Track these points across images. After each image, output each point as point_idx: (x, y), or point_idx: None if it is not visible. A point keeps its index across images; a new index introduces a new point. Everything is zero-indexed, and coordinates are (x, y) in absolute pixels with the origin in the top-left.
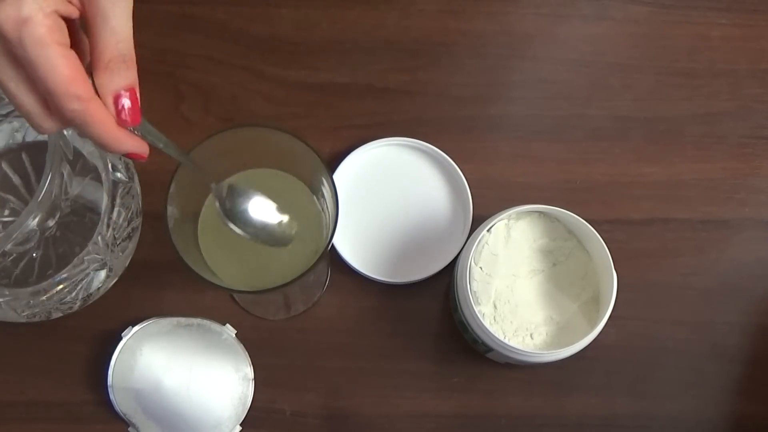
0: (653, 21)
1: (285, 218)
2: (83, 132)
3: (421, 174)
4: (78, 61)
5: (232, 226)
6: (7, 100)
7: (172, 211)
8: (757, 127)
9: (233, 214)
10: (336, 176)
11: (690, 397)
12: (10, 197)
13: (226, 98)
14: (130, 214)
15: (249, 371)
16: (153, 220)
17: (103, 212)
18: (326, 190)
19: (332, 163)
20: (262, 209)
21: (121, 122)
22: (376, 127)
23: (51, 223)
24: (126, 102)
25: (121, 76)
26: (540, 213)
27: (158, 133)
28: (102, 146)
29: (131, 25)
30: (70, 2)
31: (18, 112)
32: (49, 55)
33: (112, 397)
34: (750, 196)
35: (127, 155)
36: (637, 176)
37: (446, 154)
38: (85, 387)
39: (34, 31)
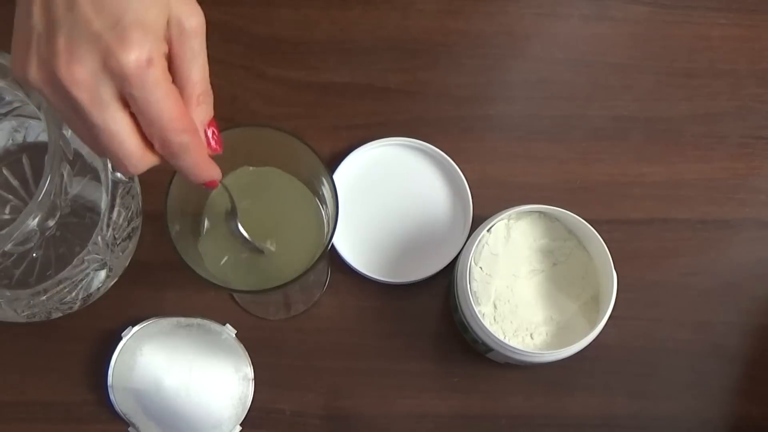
0: (653, 21)
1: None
2: (178, 162)
3: (421, 174)
4: (181, 98)
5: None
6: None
7: (172, 211)
8: (757, 127)
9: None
10: (336, 176)
11: (690, 397)
12: (10, 197)
13: (226, 98)
14: (130, 214)
15: (249, 371)
16: (153, 220)
17: (103, 212)
18: (326, 190)
19: (332, 163)
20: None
21: (211, 150)
22: (376, 127)
23: (51, 223)
24: (213, 132)
25: (208, 109)
26: (540, 213)
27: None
28: (195, 175)
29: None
30: (166, 42)
31: (108, 154)
32: (165, 93)
33: (112, 397)
34: (750, 196)
35: (209, 183)
36: (637, 176)
37: (446, 154)
38: (85, 387)
39: (155, 73)
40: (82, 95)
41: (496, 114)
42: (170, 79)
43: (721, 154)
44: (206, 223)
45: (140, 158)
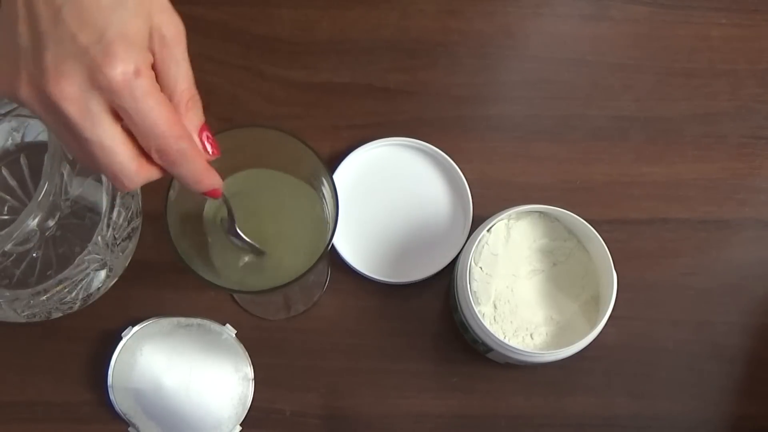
0: (653, 21)
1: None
2: (178, 170)
3: (421, 174)
4: (172, 106)
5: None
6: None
7: (172, 212)
8: (757, 127)
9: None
10: (336, 176)
11: (690, 397)
12: (8, 197)
13: (226, 98)
14: (130, 214)
15: (249, 371)
16: (153, 220)
17: (103, 212)
18: (326, 190)
19: (332, 163)
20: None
21: (209, 154)
22: (376, 127)
23: (51, 223)
24: (207, 136)
25: (197, 114)
26: (540, 213)
27: None
28: (196, 182)
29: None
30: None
31: (102, 169)
32: (156, 103)
33: (112, 397)
34: (750, 196)
35: (207, 193)
36: (637, 176)
37: (446, 154)
38: (85, 387)
39: (143, 83)
40: (71, 110)
41: (496, 114)
42: (159, 88)
43: (721, 154)
44: (207, 222)
45: (135, 172)
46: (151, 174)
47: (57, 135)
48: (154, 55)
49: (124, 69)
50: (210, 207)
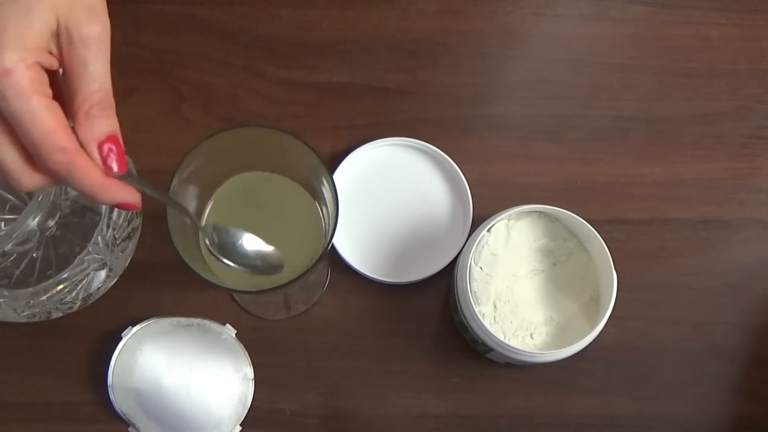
0: (653, 21)
1: (271, 249)
2: (70, 185)
3: (421, 174)
4: (61, 112)
5: (224, 260)
6: None
7: (172, 212)
8: (757, 127)
9: (223, 250)
10: (336, 176)
11: (690, 397)
12: (9, 197)
13: (226, 98)
14: (130, 214)
15: (249, 371)
16: (153, 220)
17: (103, 212)
18: (326, 191)
19: (332, 163)
20: (249, 243)
21: (108, 170)
22: (376, 127)
23: (51, 223)
24: (111, 149)
25: (103, 123)
26: (540, 213)
27: (142, 179)
28: (91, 198)
29: (110, 73)
30: (51, 53)
31: None
32: (32, 106)
33: (112, 397)
34: (750, 196)
35: (119, 206)
36: (637, 176)
37: (446, 154)
38: (85, 387)
39: (16, 83)
40: None
41: (496, 114)
42: (44, 92)
43: (721, 154)
44: (206, 222)
45: (23, 174)
46: (46, 179)
47: None
48: (60, 55)
49: None
50: (209, 215)
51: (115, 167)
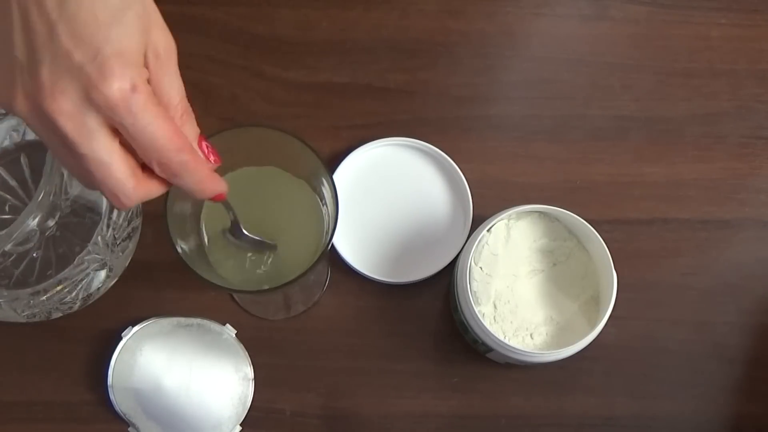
0: (653, 21)
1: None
2: (182, 181)
3: (421, 174)
4: (172, 118)
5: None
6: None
7: (172, 211)
8: (757, 127)
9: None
10: (336, 176)
11: (690, 397)
12: (8, 197)
13: (226, 98)
14: (130, 214)
15: (249, 371)
16: (153, 220)
17: (103, 212)
18: (326, 190)
19: (332, 163)
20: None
21: (211, 163)
22: (376, 127)
23: (51, 223)
24: (207, 145)
25: (193, 126)
26: (540, 213)
27: None
28: (201, 191)
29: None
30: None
31: (99, 186)
32: (154, 117)
33: (112, 397)
34: (750, 196)
35: (215, 197)
36: (637, 176)
37: (446, 154)
38: (85, 387)
39: (140, 99)
40: (68, 126)
41: (496, 114)
42: (157, 102)
43: (721, 154)
44: (206, 223)
45: (132, 188)
46: (150, 189)
47: (53, 150)
48: (149, 70)
49: (121, 86)
50: (208, 215)
51: (215, 159)
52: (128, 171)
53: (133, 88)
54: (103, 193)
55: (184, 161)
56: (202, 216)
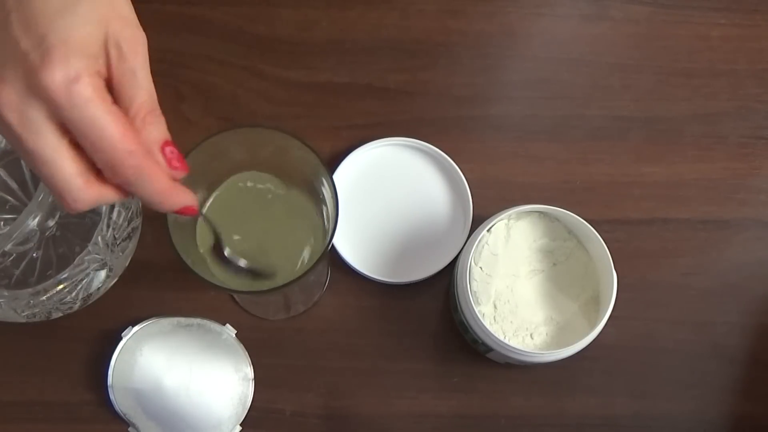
0: (653, 21)
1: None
2: (137, 191)
3: (421, 174)
4: (126, 118)
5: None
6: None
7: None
8: (757, 127)
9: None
10: (336, 176)
11: (690, 397)
12: (9, 198)
13: (226, 98)
14: (130, 214)
15: (249, 371)
16: (153, 220)
17: (103, 212)
18: (326, 191)
19: (332, 163)
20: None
21: (173, 170)
22: (376, 127)
23: (51, 223)
24: (171, 152)
25: (158, 129)
26: (540, 213)
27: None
28: (159, 203)
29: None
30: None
31: (48, 185)
32: (101, 112)
33: (112, 397)
34: (750, 196)
35: (180, 211)
36: (637, 176)
37: (446, 154)
38: (85, 387)
39: (83, 91)
40: (11, 118)
41: (496, 114)
42: (107, 98)
43: (721, 154)
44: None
45: (80, 188)
46: (102, 193)
47: (10, 144)
48: (110, 65)
49: (63, 74)
50: (200, 231)
51: (179, 167)
52: (75, 170)
53: (76, 79)
54: (51, 191)
55: (136, 166)
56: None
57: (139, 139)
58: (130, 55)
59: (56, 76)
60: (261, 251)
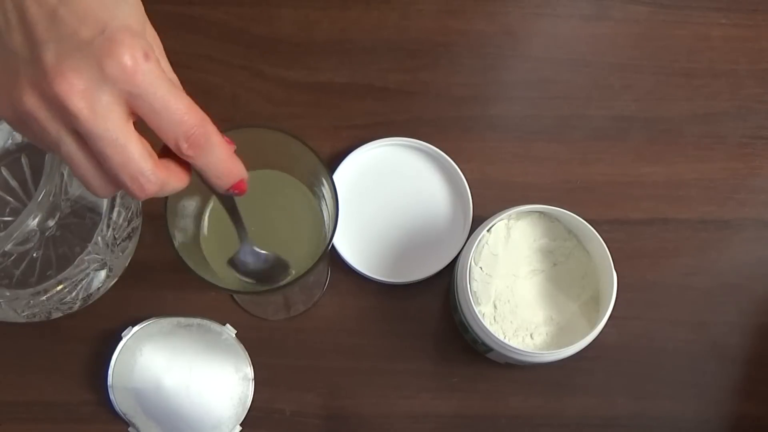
0: (653, 21)
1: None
2: (206, 162)
3: (421, 174)
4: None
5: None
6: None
7: (172, 212)
8: (757, 127)
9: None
10: (336, 176)
11: (690, 397)
12: (9, 198)
13: (226, 98)
14: (130, 214)
15: (249, 371)
16: (153, 220)
17: (103, 212)
18: (326, 191)
19: (332, 163)
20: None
21: (229, 143)
22: (376, 127)
23: (51, 223)
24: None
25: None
26: (540, 213)
27: None
28: (226, 173)
29: None
30: None
31: (116, 171)
32: (170, 86)
33: (112, 397)
34: (750, 196)
35: (235, 186)
36: (637, 176)
37: (446, 154)
38: (85, 387)
39: (154, 68)
40: (80, 105)
41: (496, 114)
42: (167, 76)
43: (721, 154)
44: (206, 223)
45: (152, 170)
46: (168, 174)
47: (64, 152)
48: None
49: (133, 54)
50: (208, 239)
51: (230, 140)
52: (145, 152)
53: (146, 56)
54: (120, 180)
55: (208, 133)
56: (203, 216)
57: (202, 111)
58: (160, 52)
59: (127, 56)
60: (277, 242)
